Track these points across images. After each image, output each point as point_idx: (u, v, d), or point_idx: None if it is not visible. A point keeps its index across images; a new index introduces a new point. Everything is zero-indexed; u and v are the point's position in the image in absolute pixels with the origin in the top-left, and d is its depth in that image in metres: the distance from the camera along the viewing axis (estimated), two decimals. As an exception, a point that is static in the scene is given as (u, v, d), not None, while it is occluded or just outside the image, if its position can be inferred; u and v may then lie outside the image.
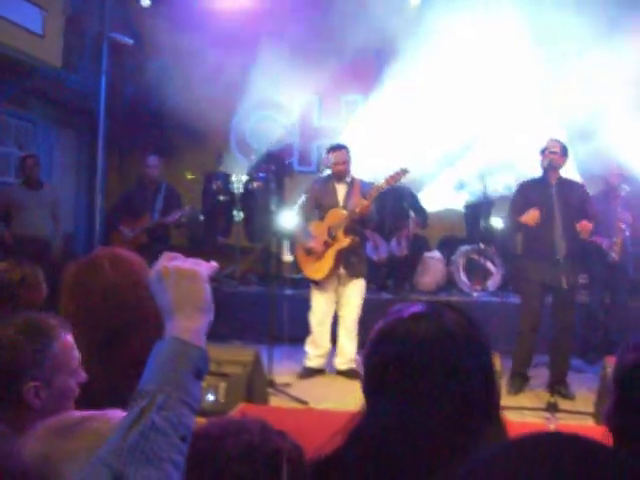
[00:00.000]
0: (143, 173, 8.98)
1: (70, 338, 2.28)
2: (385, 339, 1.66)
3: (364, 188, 7.04)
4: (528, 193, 6.77)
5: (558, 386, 6.48)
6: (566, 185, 6.63)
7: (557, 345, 6.60)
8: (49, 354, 2.21)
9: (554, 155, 6.52)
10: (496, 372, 1.64)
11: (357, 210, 6.75)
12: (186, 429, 1.26)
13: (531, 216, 6.43)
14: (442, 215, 10.03)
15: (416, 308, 1.68)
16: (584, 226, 6.25)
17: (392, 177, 6.83)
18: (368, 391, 1.66)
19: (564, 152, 6.62)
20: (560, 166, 6.62)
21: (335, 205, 7.05)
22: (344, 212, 6.91)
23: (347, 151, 7.17)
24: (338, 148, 7.19)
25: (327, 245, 6.95)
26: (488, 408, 1.57)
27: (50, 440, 1.65)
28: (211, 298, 1.41)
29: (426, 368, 1.55)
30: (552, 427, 3.28)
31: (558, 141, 6.70)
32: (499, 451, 0.91)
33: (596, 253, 7.43)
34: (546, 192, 6.54)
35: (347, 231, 6.89)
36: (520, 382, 6.63)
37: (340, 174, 7.09)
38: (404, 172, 6.85)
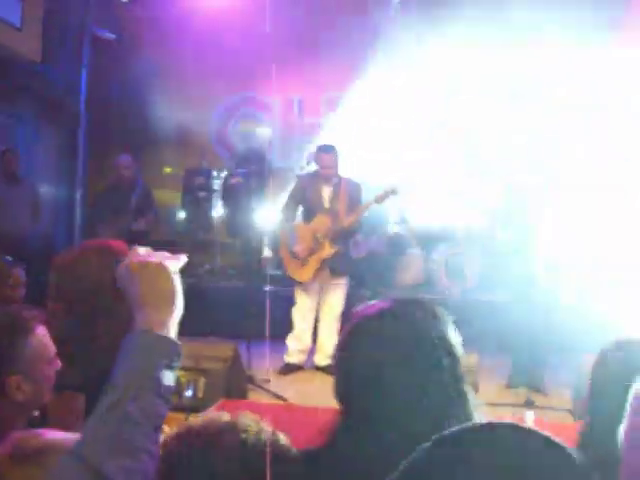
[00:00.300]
0: (117, 174, 8.87)
1: (43, 328, 2.30)
2: (352, 338, 1.69)
3: (351, 188, 7.07)
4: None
5: (534, 381, 6.54)
6: None
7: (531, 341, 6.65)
8: (27, 347, 2.23)
9: None
10: (458, 361, 1.63)
11: (344, 225, 6.79)
12: (159, 419, 1.29)
13: None
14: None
15: (380, 305, 1.70)
16: None
17: (381, 196, 6.87)
18: (340, 392, 1.68)
19: None
20: None
21: (320, 206, 7.06)
22: (330, 220, 6.94)
23: (336, 153, 7.13)
24: (327, 151, 7.13)
25: (312, 251, 6.97)
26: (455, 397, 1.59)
27: (9, 464, 1.63)
28: (179, 291, 1.43)
29: (391, 365, 1.57)
30: (529, 423, 3.28)
31: None
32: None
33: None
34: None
35: (333, 240, 6.91)
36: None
37: (327, 176, 7.09)
38: (393, 192, 6.89)
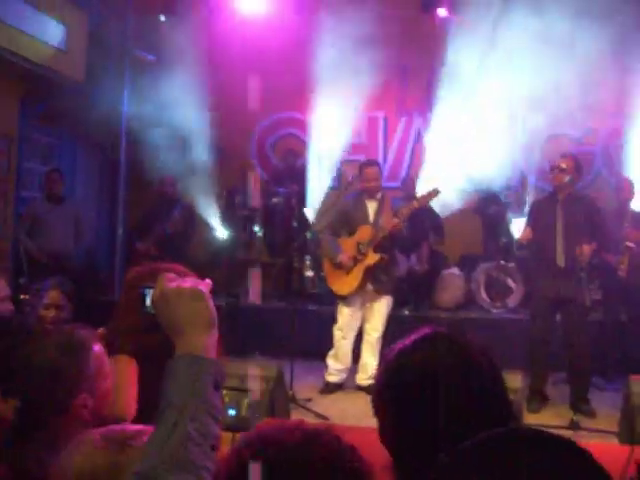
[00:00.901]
0: (159, 191, 8.98)
1: (100, 345, 2.35)
2: (387, 372, 1.70)
3: (394, 204, 7.08)
4: (536, 210, 6.81)
5: (578, 403, 6.43)
6: (574, 201, 6.61)
7: (572, 362, 6.58)
8: (89, 365, 2.27)
9: (562, 173, 6.50)
10: (504, 391, 1.65)
11: (388, 228, 6.75)
12: (214, 438, 1.33)
13: (524, 234, 6.54)
14: (461, 231, 10.02)
15: (412, 339, 1.71)
16: (583, 249, 6.22)
17: (424, 197, 6.86)
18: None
19: (576, 169, 6.59)
20: (569, 182, 6.59)
21: (365, 221, 7.05)
22: (374, 229, 6.91)
23: (379, 168, 7.21)
24: (371, 165, 7.22)
25: (356, 261, 6.95)
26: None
27: (110, 450, 1.69)
28: (215, 313, 1.49)
29: (427, 397, 1.58)
30: None
31: (568, 158, 6.68)
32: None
33: (609, 270, 7.42)
34: (552, 208, 6.58)
35: (376, 248, 6.89)
36: (538, 400, 6.59)
37: (372, 191, 7.09)
38: (436, 192, 6.87)
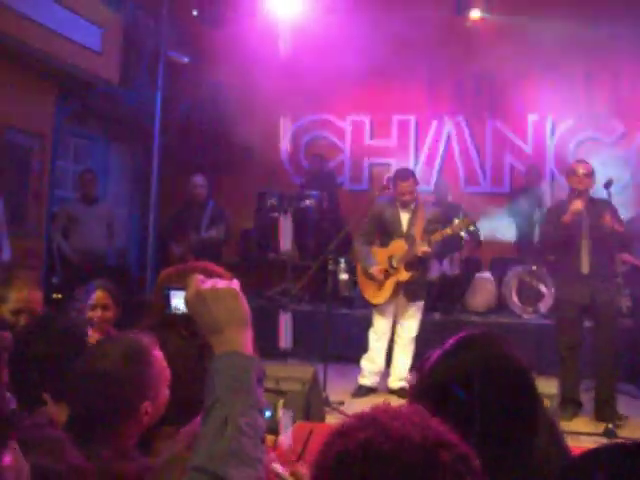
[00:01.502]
0: (190, 193, 9.01)
1: (160, 352, 2.36)
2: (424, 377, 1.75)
3: (429, 213, 7.05)
4: (561, 213, 6.71)
5: (603, 409, 6.36)
6: (596, 204, 6.54)
7: (598, 368, 6.48)
8: (152, 373, 2.28)
9: (587, 178, 6.45)
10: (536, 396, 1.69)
11: (418, 253, 6.75)
12: (262, 432, 1.38)
13: (574, 205, 6.36)
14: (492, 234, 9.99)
15: (452, 342, 1.78)
16: (606, 218, 6.17)
17: (459, 226, 6.81)
18: None
19: (594, 174, 6.55)
20: (588, 188, 6.52)
21: (398, 231, 7.06)
22: (406, 244, 6.91)
23: (414, 180, 7.13)
24: (406, 178, 7.11)
25: (387, 274, 6.97)
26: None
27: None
28: (249, 312, 1.54)
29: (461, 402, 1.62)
30: None
31: (587, 163, 6.63)
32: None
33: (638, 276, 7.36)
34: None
35: (408, 266, 6.90)
36: (572, 407, 6.50)
37: (404, 203, 7.08)
38: (472, 222, 6.85)
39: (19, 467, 1.44)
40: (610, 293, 6.36)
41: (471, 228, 6.92)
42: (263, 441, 1.38)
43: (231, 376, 1.40)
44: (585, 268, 6.38)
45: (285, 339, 6.52)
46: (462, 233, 7.01)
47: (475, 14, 10.04)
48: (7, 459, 1.40)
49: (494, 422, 1.60)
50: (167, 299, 1.69)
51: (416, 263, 6.93)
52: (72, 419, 2.27)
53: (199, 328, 1.52)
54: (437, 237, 6.77)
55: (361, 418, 1.25)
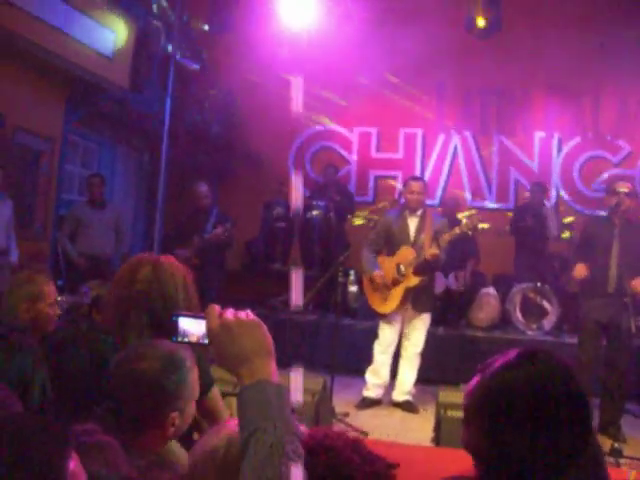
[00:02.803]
0: (195, 202, 8.95)
1: (196, 367, 2.35)
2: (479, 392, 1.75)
3: (436, 222, 7.07)
4: (591, 232, 6.73)
5: (609, 427, 6.35)
6: (632, 226, 6.54)
7: (608, 386, 6.48)
8: (187, 385, 2.27)
9: (627, 197, 6.45)
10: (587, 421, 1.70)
11: (427, 257, 6.74)
12: (302, 456, 1.40)
13: (577, 271, 6.40)
14: (495, 251, 10.02)
15: (505, 359, 1.76)
16: (637, 285, 6.19)
17: (466, 224, 6.82)
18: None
19: (635, 194, 6.56)
20: (628, 208, 6.52)
21: (406, 239, 7.06)
22: (414, 250, 6.92)
23: (425, 184, 7.25)
24: (417, 179, 7.36)
25: (396, 282, 6.97)
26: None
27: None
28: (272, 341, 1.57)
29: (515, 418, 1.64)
30: (632, 475, 3.21)
31: (628, 183, 6.65)
32: None
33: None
34: (609, 232, 6.49)
35: (416, 270, 6.89)
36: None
37: (414, 204, 7.10)
38: (478, 220, 6.86)
39: (81, 474, 1.44)
40: (628, 314, 6.37)
41: (479, 226, 6.94)
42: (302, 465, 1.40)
43: (268, 404, 1.43)
44: (611, 289, 6.40)
45: (296, 297, 6.44)
46: (470, 232, 7.00)
47: (480, 23, 9.97)
48: (73, 464, 1.40)
49: (551, 441, 1.61)
50: (175, 325, 1.66)
51: (425, 268, 6.93)
52: (101, 418, 2.27)
53: (220, 359, 1.55)
54: (446, 238, 6.77)
55: None
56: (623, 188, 6.51)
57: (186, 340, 1.65)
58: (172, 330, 1.66)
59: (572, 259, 6.99)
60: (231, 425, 1.86)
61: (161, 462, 2.21)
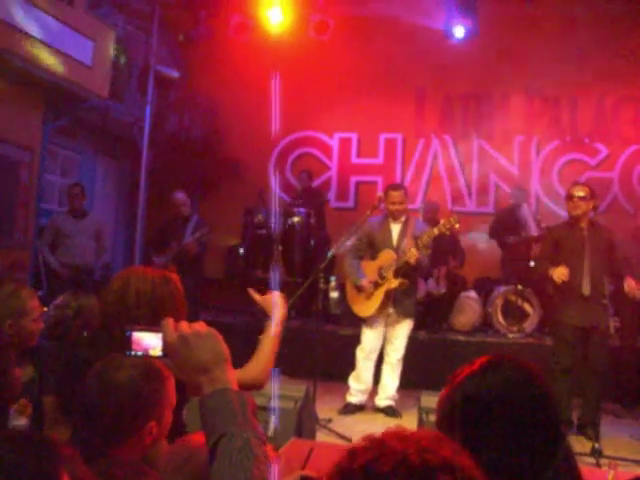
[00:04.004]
0: (173, 210, 8.93)
1: (172, 376, 2.36)
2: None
3: (417, 227, 7.08)
4: (558, 237, 6.72)
5: (585, 427, 6.41)
6: (597, 229, 6.56)
7: (584, 386, 6.51)
8: (163, 394, 2.28)
9: (583, 201, 6.47)
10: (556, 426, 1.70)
11: (407, 259, 6.76)
12: (269, 459, 1.43)
13: (558, 273, 6.40)
14: (477, 254, 10.07)
15: (470, 368, 1.77)
16: (630, 284, 6.23)
17: (444, 225, 6.81)
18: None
19: (593, 196, 6.56)
20: (588, 211, 6.53)
21: (389, 244, 7.07)
22: (396, 254, 6.94)
23: (405, 192, 7.20)
24: (397, 188, 7.20)
25: (377, 285, 6.99)
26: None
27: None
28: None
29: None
30: (611, 474, 3.22)
31: (584, 185, 6.67)
32: None
33: (626, 298, 7.40)
34: (578, 236, 6.49)
35: (397, 273, 6.91)
36: (564, 426, 6.52)
37: (396, 214, 7.11)
38: (455, 221, 6.86)
39: None
40: (606, 316, 6.40)
41: (456, 225, 6.94)
42: (270, 467, 1.43)
43: (231, 410, 1.46)
44: (586, 291, 6.43)
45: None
46: (447, 232, 7.02)
47: (459, 32, 10.04)
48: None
49: (509, 450, 1.63)
50: (128, 339, 1.66)
51: (406, 271, 6.95)
52: (78, 430, 2.27)
53: (178, 370, 1.58)
54: (425, 240, 6.77)
55: (371, 440, 1.25)
56: (578, 192, 6.51)
57: (139, 354, 1.66)
58: (125, 344, 1.67)
59: (538, 266, 7.00)
60: (194, 438, 1.89)
61: (140, 471, 2.21)
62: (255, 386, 2.85)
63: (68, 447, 2.07)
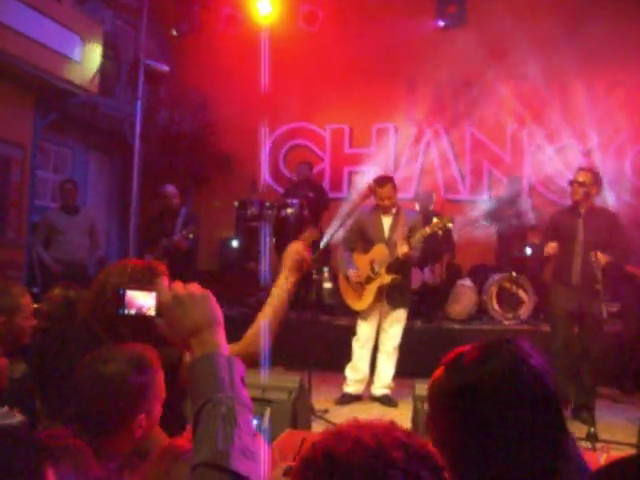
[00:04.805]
0: (163, 203, 8.92)
1: (161, 369, 2.35)
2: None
3: (409, 219, 7.07)
4: (557, 222, 6.75)
5: (581, 411, 6.43)
6: (595, 215, 6.55)
7: (579, 373, 6.53)
8: (153, 387, 2.27)
9: (582, 187, 6.48)
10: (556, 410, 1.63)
11: (399, 256, 6.75)
12: (253, 427, 1.41)
13: (549, 247, 6.42)
14: (473, 242, 10.07)
15: (478, 349, 1.69)
16: (598, 256, 6.21)
17: (437, 224, 6.79)
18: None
19: (595, 181, 6.56)
20: (590, 196, 6.51)
21: (380, 237, 7.06)
22: (388, 248, 6.93)
23: (393, 185, 7.14)
24: (384, 183, 7.10)
25: (369, 280, 6.99)
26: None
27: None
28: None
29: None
30: (604, 457, 3.23)
31: (589, 171, 6.67)
32: None
33: (629, 283, 7.40)
34: (574, 221, 6.51)
35: (389, 269, 6.91)
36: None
37: (387, 208, 7.10)
38: (449, 220, 6.85)
39: None
40: (597, 301, 6.40)
41: (449, 225, 6.93)
42: (257, 436, 1.42)
43: (217, 377, 1.44)
44: (575, 279, 6.44)
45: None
46: (440, 232, 7.00)
47: (440, 24, 10.05)
48: (51, 477, 1.41)
49: (519, 433, 1.58)
50: (121, 299, 1.66)
51: (398, 266, 6.95)
52: (68, 420, 2.26)
53: (170, 330, 1.56)
54: (417, 238, 6.77)
55: (329, 431, 1.31)
56: (578, 177, 6.51)
57: (133, 312, 1.65)
58: (119, 302, 1.66)
59: (539, 248, 6.99)
60: (179, 444, 1.88)
61: (130, 464, 2.21)
62: (251, 362, 2.81)
63: (77, 441, 2.06)
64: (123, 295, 1.65)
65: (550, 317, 7.06)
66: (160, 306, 1.58)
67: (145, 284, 2.67)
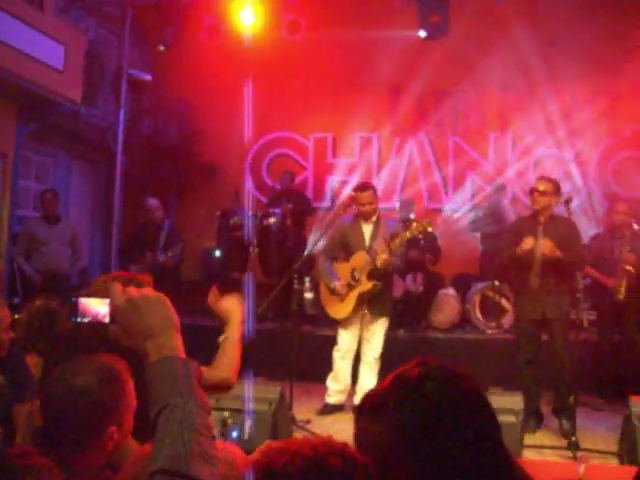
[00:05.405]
0: (145, 215, 8.89)
1: (131, 380, 2.33)
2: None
3: (389, 226, 7.07)
4: (518, 229, 6.76)
5: (560, 413, 6.45)
6: (555, 223, 6.56)
7: (553, 380, 6.54)
8: (123, 398, 2.25)
9: (542, 195, 6.49)
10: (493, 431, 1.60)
11: (379, 264, 6.75)
12: (211, 430, 1.40)
13: (525, 243, 6.37)
14: (456, 250, 10.09)
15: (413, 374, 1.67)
16: (546, 244, 6.24)
17: (416, 228, 6.80)
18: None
19: (556, 190, 6.58)
20: (550, 205, 6.54)
21: (361, 245, 7.05)
22: (368, 256, 6.93)
23: (374, 191, 7.16)
24: (365, 189, 7.13)
25: (350, 287, 6.98)
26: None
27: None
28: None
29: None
30: (582, 467, 3.24)
31: (549, 180, 6.68)
32: None
33: (602, 292, 7.44)
34: (533, 230, 6.50)
35: (370, 276, 6.90)
36: (534, 420, 6.52)
37: (367, 215, 7.10)
38: (428, 224, 6.86)
39: None
40: (562, 308, 6.41)
41: (429, 229, 6.94)
42: (214, 439, 1.41)
43: (174, 380, 1.42)
44: (534, 284, 6.46)
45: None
46: (420, 236, 7.01)
47: (422, 34, 10.08)
48: None
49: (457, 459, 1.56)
50: (75, 307, 1.64)
51: (379, 273, 6.95)
52: (38, 435, 2.24)
53: (126, 335, 1.54)
54: (397, 243, 6.76)
55: (270, 448, 1.38)
56: (538, 186, 6.54)
57: (86, 320, 1.63)
58: (72, 311, 1.64)
59: (502, 256, 7.00)
60: (149, 452, 1.86)
61: (104, 477, 2.20)
62: (224, 386, 2.83)
63: (41, 457, 2.05)
64: (76, 303, 1.63)
65: (515, 329, 7.10)
66: (114, 310, 1.56)
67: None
